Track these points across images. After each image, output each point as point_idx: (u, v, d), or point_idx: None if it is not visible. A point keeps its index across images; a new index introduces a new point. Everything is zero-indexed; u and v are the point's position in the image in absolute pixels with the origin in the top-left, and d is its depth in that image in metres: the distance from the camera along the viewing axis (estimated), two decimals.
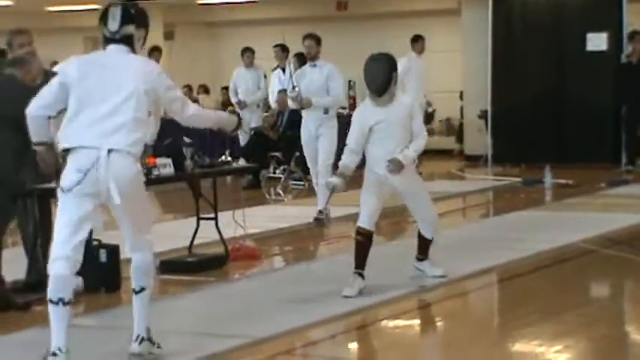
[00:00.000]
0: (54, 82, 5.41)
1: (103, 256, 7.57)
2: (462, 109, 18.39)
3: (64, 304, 5.14)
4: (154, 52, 14.97)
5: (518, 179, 14.42)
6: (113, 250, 7.61)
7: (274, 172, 14.44)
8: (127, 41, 5.38)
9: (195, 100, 20.07)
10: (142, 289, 5.44)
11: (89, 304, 7.25)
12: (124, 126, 5.20)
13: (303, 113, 10.56)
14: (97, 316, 6.78)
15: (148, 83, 5.33)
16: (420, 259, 7.63)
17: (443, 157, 18.05)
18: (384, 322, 6.78)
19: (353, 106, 17.95)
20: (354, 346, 6.36)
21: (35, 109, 5.42)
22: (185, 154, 8.21)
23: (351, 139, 7.22)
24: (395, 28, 19.49)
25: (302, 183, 14.14)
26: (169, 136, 9.00)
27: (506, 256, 8.49)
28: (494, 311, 7.50)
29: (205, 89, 20.41)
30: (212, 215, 8.65)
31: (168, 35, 20.24)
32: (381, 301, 7.04)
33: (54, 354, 5.12)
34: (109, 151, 5.15)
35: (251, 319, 6.52)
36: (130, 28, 5.37)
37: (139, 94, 5.28)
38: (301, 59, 15.21)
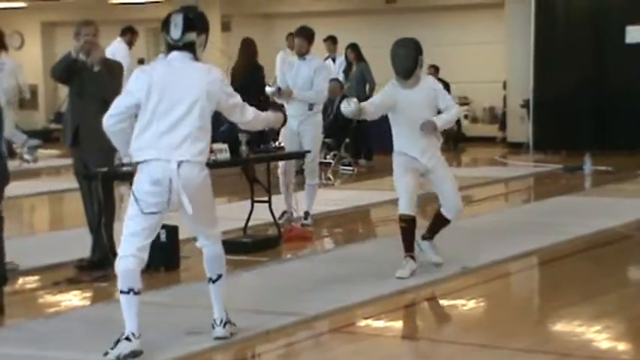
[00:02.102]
0: (126, 98, 5.38)
1: (163, 235, 7.60)
2: (504, 98, 18.27)
3: (135, 293, 5.21)
4: (127, 33, 14.59)
5: (559, 166, 14.31)
6: (173, 230, 7.65)
7: (325, 158, 14.42)
8: (190, 48, 5.36)
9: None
10: (219, 277, 5.56)
11: (149, 281, 7.28)
12: (190, 136, 5.24)
13: (287, 108, 9.02)
14: (157, 293, 6.82)
15: (210, 91, 5.32)
16: (425, 237, 7.43)
17: (486, 145, 17.95)
18: (429, 302, 6.76)
19: None
20: (400, 324, 6.34)
21: (113, 124, 5.40)
22: (240, 140, 8.24)
23: (377, 98, 7.32)
24: (442, 21, 19.39)
25: (351, 168, 14.15)
26: (225, 123, 9.03)
27: (546, 240, 8.42)
28: (535, 292, 7.45)
29: None
30: (266, 198, 8.67)
31: (225, 26, 20.28)
32: (427, 281, 7.02)
33: (127, 338, 5.18)
34: (179, 162, 5.21)
35: (302, 297, 6.53)
36: (192, 35, 5.35)
37: (202, 104, 5.28)
38: (355, 50, 15.21)
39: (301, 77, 9.38)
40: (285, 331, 5.87)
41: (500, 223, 9.46)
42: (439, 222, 7.44)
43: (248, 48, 13.06)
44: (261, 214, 8.78)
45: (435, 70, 17.91)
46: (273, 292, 6.74)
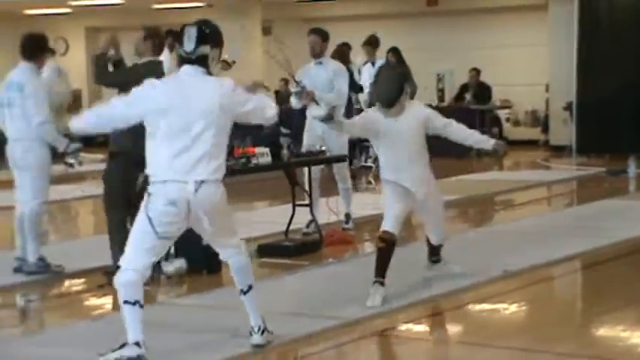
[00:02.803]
0: (126, 109, 5.25)
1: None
2: (547, 101, 18.15)
3: (140, 305, 5.14)
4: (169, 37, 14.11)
5: (603, 169, 14.18)
6: None
7: (366, 162, 14.41)
8: (202, 62, 5.18)
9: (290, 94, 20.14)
10: (250, 288, 5.48)
11: (192, 284, 7.36)
12: (206, 155, 5.10)
13: (308, 114, 8.84)
14: (199, 296, 6.87)
15: (224, 105, 5.16)
16: (434, 262, 7.22)
17: (528, 148, 17.84)
18: (471, 306, 6.73)
19: (442, 99, 17.87)
20: (442, 327, 6.33)
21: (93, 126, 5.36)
22: (282, 143, 8.27)
23: (354, 119, 6.97)
24: (483, 23, 19.31)
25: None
26: (267, 127, 9.06)
27: (589, 244, 8.34)
28: (577, 297, 7.40)
29: None
30: (307, 202, 8.69)
31: (266, 31, 20.35)
32: (468, 285, 6.99)
33: (137, 344, 5.11)
34: (196, 183, 5.08)
35: (344, 301, 6.53)
36: (206, 49, 5.17)
37: (218, 120, 5.14)
38: (396, 53, 15.17)
39: (320, 82, 9.01)
40: (327, 335, 5.88)
41: (543, 227, 9.40)
42: (434, 249, 7.21)
43: (342, 53, 13.26)
44: (303, 218, 8.82)
45: (476, 73, 17.86)
46: (315, 296, 6.75)
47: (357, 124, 6.83)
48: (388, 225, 6.58)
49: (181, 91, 5.14)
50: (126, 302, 5.10)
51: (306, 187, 8.84)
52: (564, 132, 16.99)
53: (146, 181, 5.30)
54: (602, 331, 6.09)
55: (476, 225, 10.51)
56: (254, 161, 8.03)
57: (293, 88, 8.96)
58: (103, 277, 7.39)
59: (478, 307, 6.74)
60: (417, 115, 6.70)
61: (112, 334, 5.95)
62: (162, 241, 5.23)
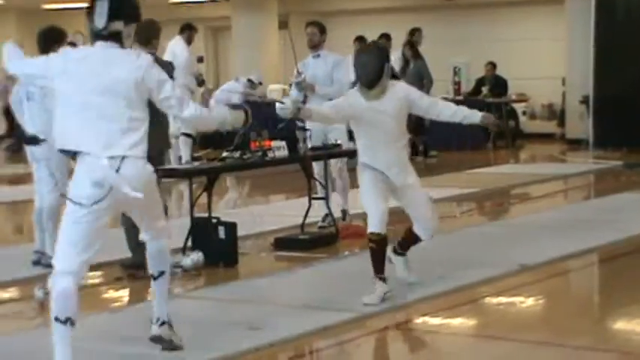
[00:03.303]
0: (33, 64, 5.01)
1: (221, 232, 7.67)
2: (563, 94, 18.07)
3: (72, 324, 4.68)
4: (186, 31, 13.81)
5: (619, 162, 14.11)
6: (231, 227, 7.71)
7: None
8: (116, 38, 4.80)
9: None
10: (161, 274, 5.18)
11: (209, 277, 7.37)
12: (121, 131, 4.72)
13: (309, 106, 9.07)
14: (216, 289, 6.88)
15: (137, 78, 4.78)
16: (398, 252, 6.81)
17: (544, 141, 17.78)
18: (487, 299, 6.71)
19: (458, 92, 17.83)
20: (457, 321, 6.31)
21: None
22: (298, 137, 8.27)
23: (334, 103, 6.52)
24: (500, 17, 19.25)
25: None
26: (282, 120, 9.04)
27: (606, 237, 8.30)
28: (595, 290, 7.37)
29: None
30: (323, 195, 8.69)
31: (283, 25, 20.34)
32: (484, 279, 6.96)
33: None
34: (113, 158, 4.68)
35: (359, 294, 6.51)
36: (119, 25, 4.79)
37: (129, 93, 4.76)
38: (412, 47, 15.14)
39: (320, 75, 8.91)
40: (343, 328, 5.87)
41: (559, 220, 9.36)
42: (411, 239, 6.73)
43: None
44: (319, 211, 8.81)
45: (492, 66, 17.80)
46: (331, 289, 6.74)
47: (332, 112, 6.41)
48: (374, 226, 6.30)
49: (88, 61, 4.79)
50: (56, 319, 4.68)
51: (322, 181, 8.83)
52: (581, 125, 16.92)
53: None
54: (620, 325, 6.06)
55: (492, 218, 10.49)
56: (270, 154, 8.03)
57: (294, 79, 8.96)
58: (120, 270, 7.42)
59: (494, 300, 6.72)
60: (399, 94, 6.37)
61: (129, 325, 5.99)
62: (97, 233, 4.80)
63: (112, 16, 4.76)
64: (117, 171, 4.69)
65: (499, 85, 17.54)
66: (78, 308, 4.76)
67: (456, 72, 17.98)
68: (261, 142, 8.02)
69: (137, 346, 5.47)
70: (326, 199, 8.73)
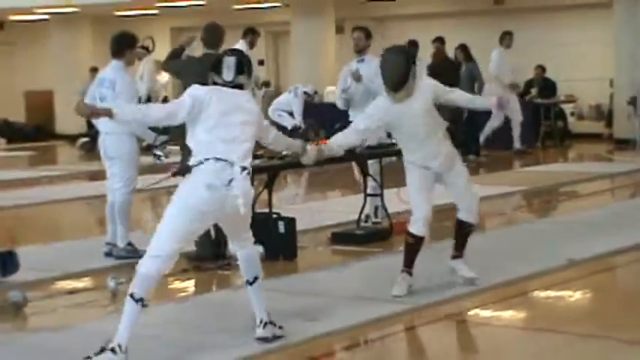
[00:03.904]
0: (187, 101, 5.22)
1: (281, 227, 7.70)
2: (611, 95, 17.81)
3: (143, 305, 4.94)
4: (249, 35, 13.38)
5: None
6: (291, 222, 7.73)
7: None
8: (240, 88, 5.29)
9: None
10: (255, 279, 5.37)
11: (269, 270, 7.38)
12: (248, 150, 5.16)
13: (351, 112, 8.73)
14: (276, 281, 6.90)
15: (257, 121, 5.31)
16: (455, 257, 6.66)
17: (592, 141, 17.53)
18: (535, 293, 6.65)
19: None
20: (507, 313, 6.26)
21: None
22: None
23: (361, 122, 6.31)
24: (549, 21, 19.02)
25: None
26: (339, 121, 9.03)
27: None
28: None
29: None
30: (378, 192, 8.67)
31: (339, 29, 20.34)
32: (533, 273, 6.90)
33: (113, 350, 4.87)
34: (239, 169, 5.03)
35: (414, 287, 6.50)
36: (242, 78, 5.30)
37: (251, 126, 5.24)
38: (464, 50, 15.03)
39: (364, 79, 8.78)
40: (397, 319, 5.86)
41: (606, 217, 9.23)
42: (462, 234, 6.64)
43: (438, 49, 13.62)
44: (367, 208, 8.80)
45: (541, 70, 17.61)
46: (384, 282, 6.71)
47: (369, 119, 6.25)
48: (415, 228, 6.33)
49: (227, 99, 5.21)
50: (130, 296, 4.93)
51: (378, 178, 8.81)
52: (628, 126, 16.67)
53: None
54: None
55: (541, 215, 10.38)
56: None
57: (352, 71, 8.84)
58: (186, 262, 7.49)
59: (543, 294, 6.66)
60: (425, 91, 6.22)
61: (196, 314, 6.05)
62: (196, 232, 5.19)
63: (238, 71, 5.28)
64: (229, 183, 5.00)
65: (547, 87, 17.35)
66: (151, 293, 4.98)
67: None
68: (319, 141, 8.01)
69: (201, 334, 5.53)
70: (381, 196, 8.70)
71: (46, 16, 21.95)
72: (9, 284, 6.79)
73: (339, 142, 6.29)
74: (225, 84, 5.26)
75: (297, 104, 16.23)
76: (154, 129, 8.36)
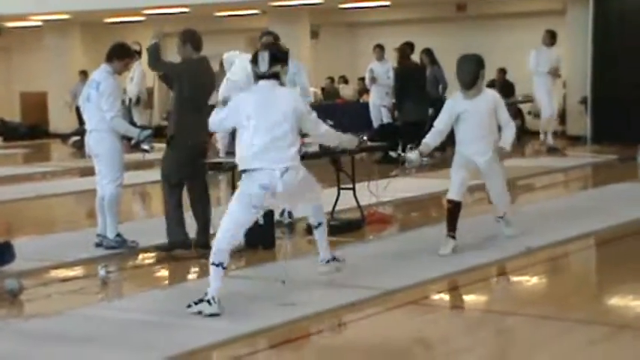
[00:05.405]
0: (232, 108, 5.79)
1: (260, 218, 7.64)
2: (564, 95, 17.92)
3: (223, 267, 5.53)
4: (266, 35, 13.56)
5: (614, 157, 13.96)
6: (269, 213, 7.69)
7: (403, 151, 14.30)
8: (275, 77, 5.74)
9: (337, 89, 20.11)
10: (320, 224, 6.17)
11: (248, 258, 7.37)
12: (288, 146, 5.68)
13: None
14: (256, 269, 6.89)
15: (295, 108, 5.74)
16: (498, 219, 7.61)
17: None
18: (496, 278, 6.68)
19: None
20: (470, 297, 6.28)
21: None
22: None
23: (440, 122, 7.18)
24: (507, 27, 19.10)
25: (427, 159, 14.00)
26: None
27: (603, 223, 8.22)
28: (593, 270, 7.30)
29: (345, 80, 20.41)
30: (350, 186, 8.66)
31: (314, 34, 20.32)
32: (494, 260, 6.94)
33: (209, 302, 5.45)
34: (283, 169, 5.62)
35: (383, 273, 6.51)
36: (277, 67, 5.73)
37: (290, 119, 5.70)
38: (429, 54, 15.03)
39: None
40: (368, 303, 5.86)
41: (561, 208, 9.28)
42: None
43: (404, 53, 13.25)
44: (346, 200, 8.78)
45: (503, 72, 17.66)
46: (357, 269, 6.72)
47: (440, 127, 7.13)
48: (452, 194, 7.11)
49: (262, 99, 5.70)
50: (212, 264, 5.52)
51: (350, 173, 8.79)
52: (580, 123, 16.80)
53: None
54: (615, 301, 6.00)
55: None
56: (304, 150, 8.00)
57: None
58: (163, 253, 7.44)
59: (504, 279, 6.69)
60: (490, 99, 7.15)
61: (179, 300, 6.01)
62: (251, 221, 5.73)
63: (272, 62, 5.72)
64: (281, 179, 5.63)
65: (506, 88, 17.43)
66: (229, 258, 5.58)
67: None
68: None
69: (181, 318, 5.50)
70: (353, 189, 8.69)
71: (40, 23, 21.78)
72: (5, 273, 6.72)
73: (429, 143, 7.16)
74: (262, 75, 5.69)
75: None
76: (136, 125, 8.32)
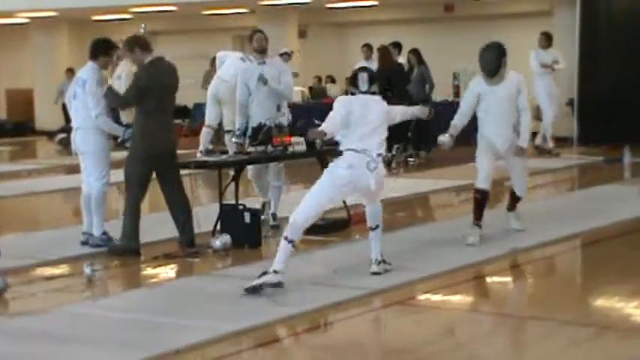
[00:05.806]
0: (341, 111, 6.30)
1: (247, 218, 7.66)
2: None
3: (293, 245, 6.03)
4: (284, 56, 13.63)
5: (600, 158, 14.01)
6: (256, 213, 7.70)
7: (389, 150, 14.34)
8: (373, 94, 6.48)
9: (324, 89, 20.12)
10: (377, 227, 6.49)
11: (235, 257, 7.37)
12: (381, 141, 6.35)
13: (253, 108, 8.31)
14: (242, 268, 6.88)
15: (387, 112, 6.48)
16: (509, 209, 7.91)
17: (534, 138, 17.62)
18: (482, 279, 6.69)
19: (457, 94, 17.73)
20: (456, 297, 6.29)
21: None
22: None
23: (464, 102, 7.50)
24: (494, 28, 19.13)
25: (413, 159, 14.05)
26: (302, 119, 9.02)
27: (589, 224, 8.25)
28: (578, 271, 7.32)
29: (332, 79, 20.42)
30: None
31: (302, 34, 20.32)
32: (480, 260, 6.94)
33: (275, 272, 5.91)
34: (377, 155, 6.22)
35: (369, 273, 6.50)
36: (374, 87, 6.48)
37: (383, 123, 6.40)
38: (416, 54, 15.05)
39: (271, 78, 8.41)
40: (354, 303, 5.86)
41: (547, 209, 9.30)
42: (513, 200, 7.89)
43: (386, 54, 13.50)
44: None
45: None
46: (343, 269, 6.73)
47: (465, 110, 7.42)
48: (481, 183, 7.34)
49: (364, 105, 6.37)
50: (285, 238, 6.00)
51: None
52: (567, 125, 16.84)
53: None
54: (600, 302, 6.03)
55: (488, 207, 10.41)
56: (291, 149, 8.02)
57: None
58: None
59: (489, 279, 6.70)
60: (514, 81, 7.34)
61: (165, 299, 6.00)
62: (334, 201, 6.40)
63: (370, 82, 6.45)
64: (375, 165, 6.22)
65: None
66: (300, 237, 6.10)
67: (455, 77, 17.87)
68: (282, 137, 8.00)
69: (167, 316, 5.49)
70: None
71: (27, 20, 21.68)
72: None
73: (457, 124, 7.42)
74: (363, 93, 6.40)
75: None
76: (121, 123, 8.31)
